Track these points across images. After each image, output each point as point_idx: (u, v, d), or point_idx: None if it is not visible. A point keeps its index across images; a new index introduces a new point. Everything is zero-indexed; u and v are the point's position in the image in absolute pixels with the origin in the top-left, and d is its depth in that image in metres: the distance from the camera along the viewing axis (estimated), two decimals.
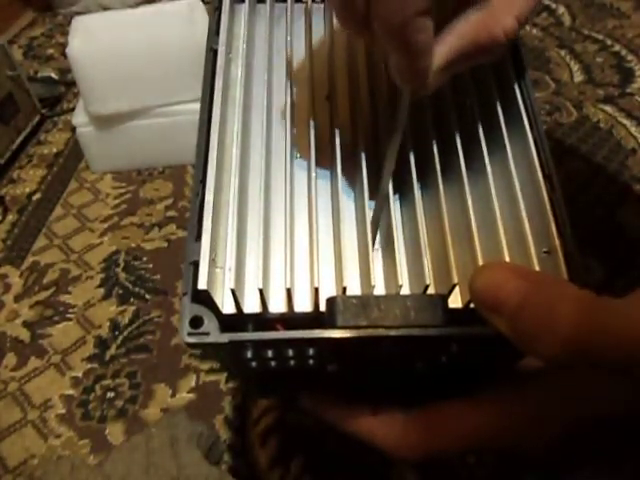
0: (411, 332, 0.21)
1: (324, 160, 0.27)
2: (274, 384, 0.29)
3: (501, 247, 0.23)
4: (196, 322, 0.21)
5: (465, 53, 0.22)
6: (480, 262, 0.22)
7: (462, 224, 0.24)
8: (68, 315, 0.56)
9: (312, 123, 0.26)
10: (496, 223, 0.23)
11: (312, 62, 0.29)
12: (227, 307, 0.22)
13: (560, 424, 0.23)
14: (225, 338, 0.21)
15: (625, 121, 0.71)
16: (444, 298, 0.21)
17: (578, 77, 0.80)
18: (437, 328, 0.21)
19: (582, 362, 0.18)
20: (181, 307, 0.21)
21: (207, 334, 0.21)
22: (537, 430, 0.23)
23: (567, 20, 0.92)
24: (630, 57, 0.82)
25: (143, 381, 0.50)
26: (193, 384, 0.49)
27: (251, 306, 0.23)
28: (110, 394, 0.49)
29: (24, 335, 0.55)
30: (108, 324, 0.55)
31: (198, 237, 0.22)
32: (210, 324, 0.21)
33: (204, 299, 0.21)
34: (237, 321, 0.22)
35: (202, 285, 0.20)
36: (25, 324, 0.56)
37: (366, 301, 0.21)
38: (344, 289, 0.22)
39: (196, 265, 0.21)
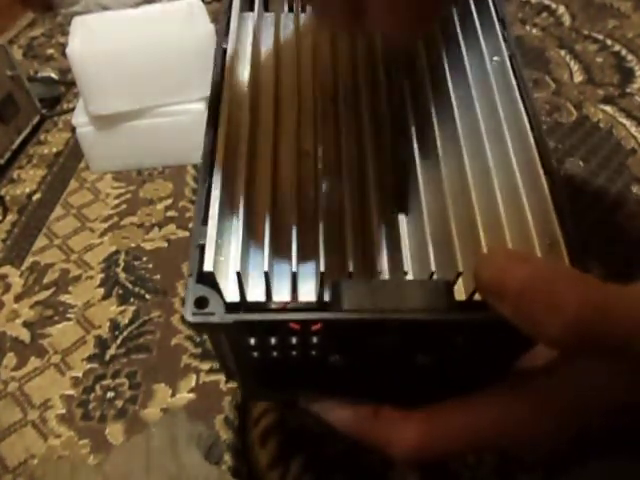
0: (417, 316, 0.21)
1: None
2: (273, 382, 0.29)
3: (504, 240, 0.23)
4: (201, 302, 0.21)
5: None
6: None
7: (466, 217, 0.24)
8: (68, 315, 0.56)
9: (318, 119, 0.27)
10: (499, 217, 0.23)
11: (316, 65, 0.30)
12: (229, 297, 0.22)
13: (559, 425, 0.23)
14: (230, 319, 0.21)
15: (625, 121, 0.71)
16: (450, 284, 0.22)
17: (578, 77, 0.80)
18: (443, 313, 0.21)
19: (586, 345, 0.18)
20: (186, 289, 0.21)
21: (212, 314, 0.20)
22: (539, 431, 0.23)
23: (567, 20, 0.92)
24: (630, 57, 0.82)
25: (143, 381, 0.50)
26: (193, 384, 0.49)
27: (253, 295, 0.23)
28: (110, 394, 0.49)
29: (24, 335, 0.55)
30: (108, 324, 0.55)
31: (205, 221, 0.22)
32: (215, 305, 0.21)
33: (209, 282, 0.21)
34: (240, 309, 0.22)
35: (208, 267, 0.21)
36: (25, 324, 0.56)
37: (372, 285, 0.21)
38: (350, 274, 0.22)
39: (202, 248, 0.21)
